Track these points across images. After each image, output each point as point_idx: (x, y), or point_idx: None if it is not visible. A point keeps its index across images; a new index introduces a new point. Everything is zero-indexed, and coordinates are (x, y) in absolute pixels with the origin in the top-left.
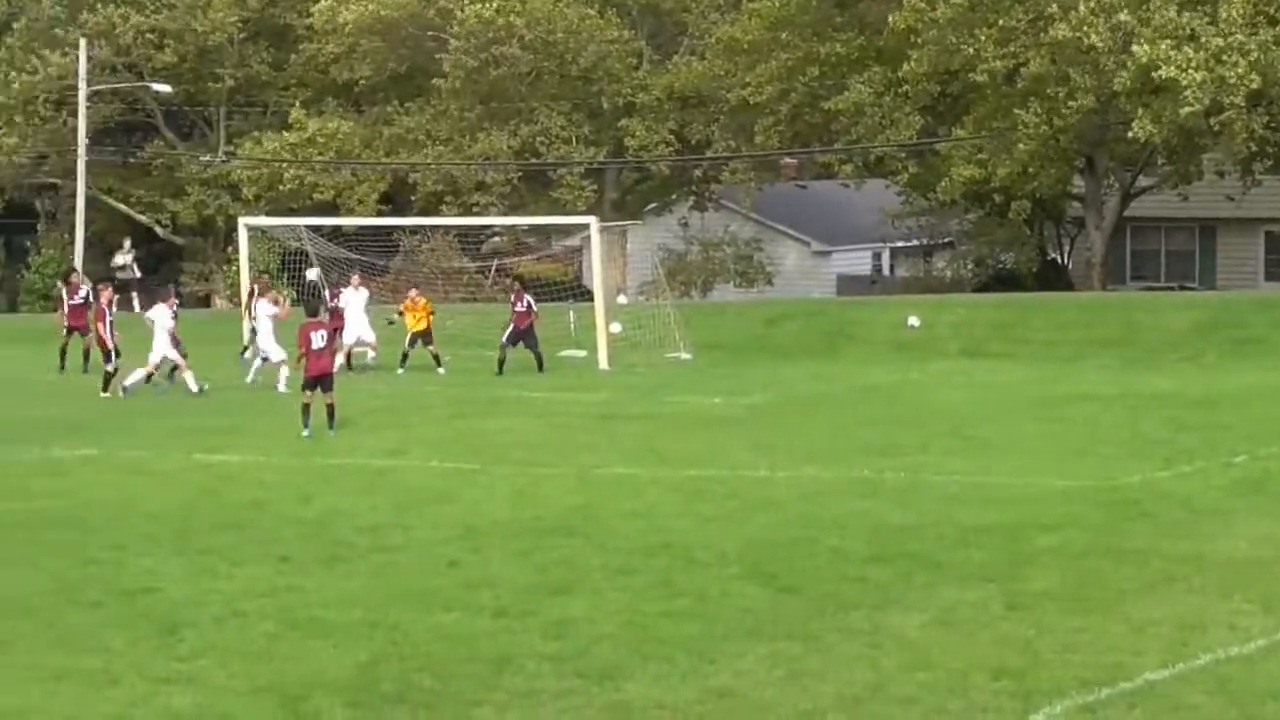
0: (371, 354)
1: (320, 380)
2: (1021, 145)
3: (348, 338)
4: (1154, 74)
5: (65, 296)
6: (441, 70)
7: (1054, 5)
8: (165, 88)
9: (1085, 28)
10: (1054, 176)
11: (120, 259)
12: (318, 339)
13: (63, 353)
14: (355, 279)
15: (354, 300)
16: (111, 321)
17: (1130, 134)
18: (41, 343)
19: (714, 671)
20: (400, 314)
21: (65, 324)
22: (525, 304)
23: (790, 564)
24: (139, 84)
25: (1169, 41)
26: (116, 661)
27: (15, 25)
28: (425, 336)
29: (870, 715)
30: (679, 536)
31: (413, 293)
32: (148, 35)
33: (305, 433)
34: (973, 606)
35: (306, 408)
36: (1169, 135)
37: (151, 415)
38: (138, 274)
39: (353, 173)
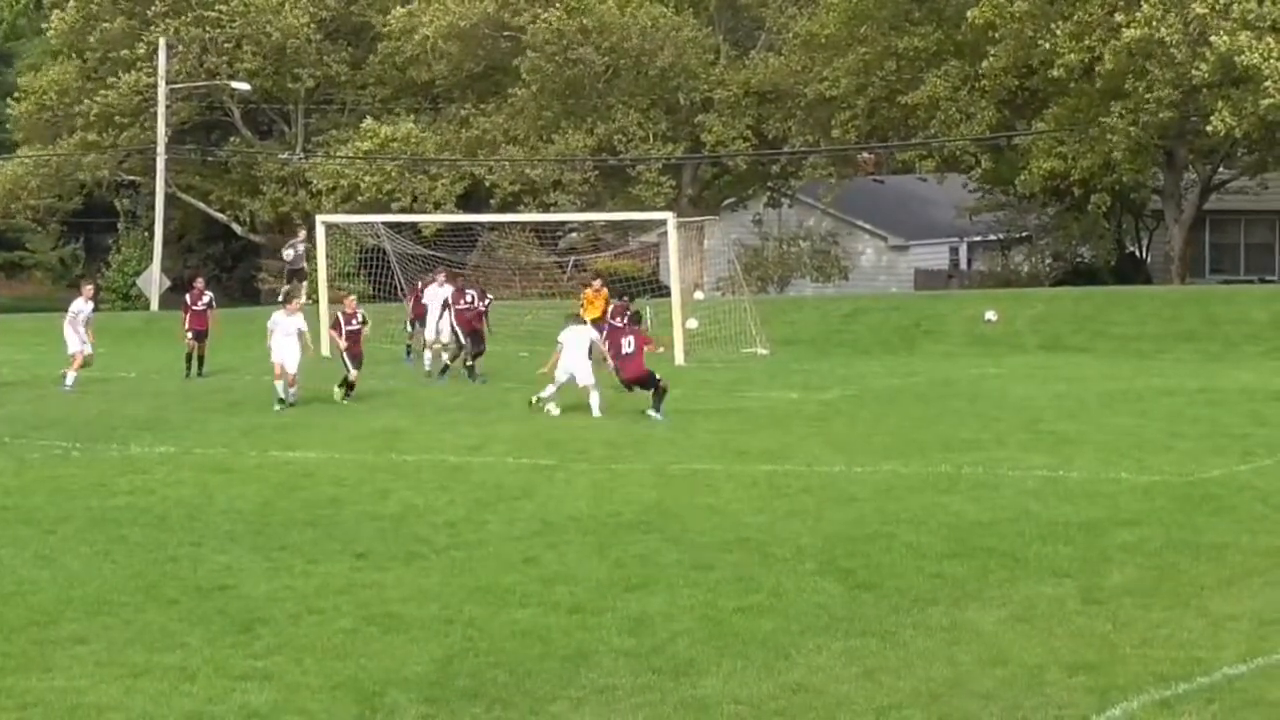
0: (446, 357)
1: (637, 381)
2: (1110, 137)
3: (429, 333)
4: (1236, 59)
5: (189, 302)
6: (517, 69)
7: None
8: (244, 86)
9: (1154, 23)
10: (1134, 170)
11: (289, 252)
12: (626, 345)
13: (189, 359)
14: (440, 276)
15: (437, 296)
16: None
17: (1209, 128)
18: (120, 341)
19: (790, 667)
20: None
21: (189, 329)
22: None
23: (867, 559)
24: (217, 82)
25: (1249, 33)
26: (194, 658)
27: (91, 38)
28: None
29: (947, 711)
30: (755, 532)
31: (596, 283)
32: (224, 45)
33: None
34: (1050, 601)
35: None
36: (1249, 129)
37: (227, 413)
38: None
39: (428, 175)
